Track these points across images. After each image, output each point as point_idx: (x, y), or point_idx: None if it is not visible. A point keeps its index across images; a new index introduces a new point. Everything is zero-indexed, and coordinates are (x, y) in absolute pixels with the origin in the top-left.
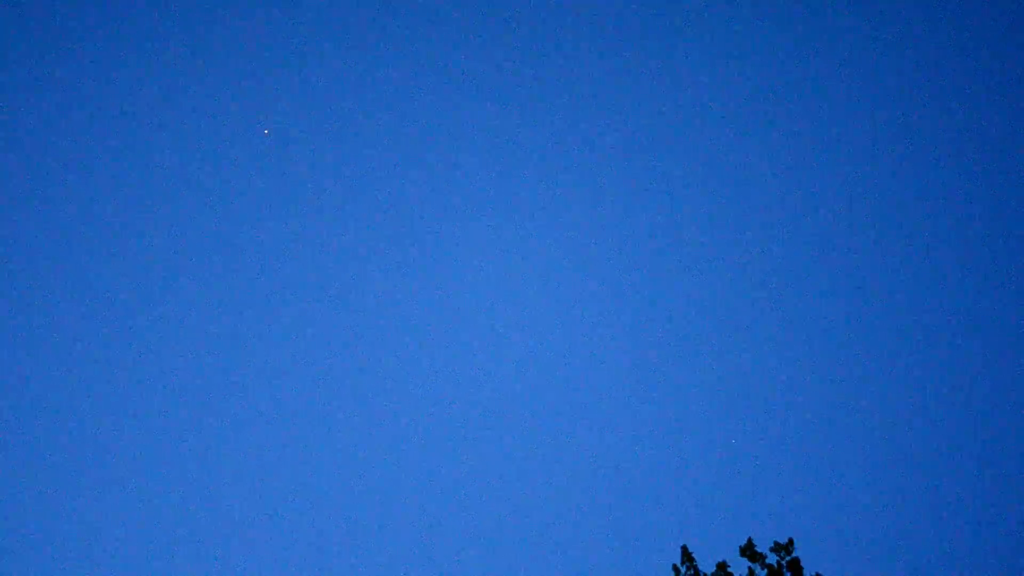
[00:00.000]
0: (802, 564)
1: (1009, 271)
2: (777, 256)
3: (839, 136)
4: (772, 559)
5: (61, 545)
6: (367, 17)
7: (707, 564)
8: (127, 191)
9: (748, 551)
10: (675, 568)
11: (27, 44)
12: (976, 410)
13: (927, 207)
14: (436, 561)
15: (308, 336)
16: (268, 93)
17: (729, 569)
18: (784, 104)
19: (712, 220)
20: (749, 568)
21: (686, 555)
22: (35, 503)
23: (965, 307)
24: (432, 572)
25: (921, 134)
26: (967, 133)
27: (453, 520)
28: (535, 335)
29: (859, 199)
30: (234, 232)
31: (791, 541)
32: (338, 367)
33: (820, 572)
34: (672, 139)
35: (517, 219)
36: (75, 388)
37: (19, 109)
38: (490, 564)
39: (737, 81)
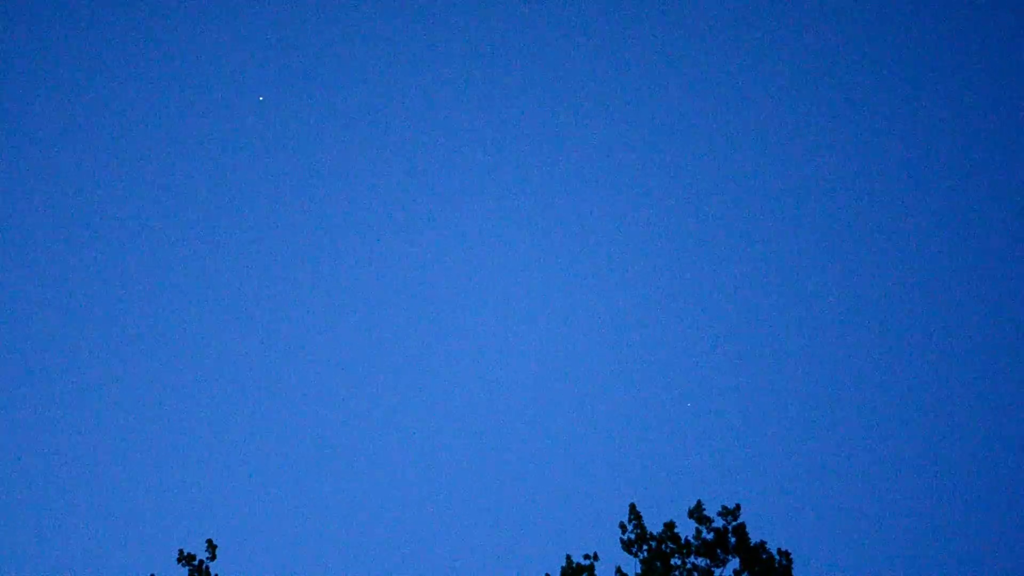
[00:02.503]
0: (748, 530)
1: (1009, 271)
2: (733, 244)
3: (838, 135)
4: (719, 523)
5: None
6: (366, 12)
7: (656, 525)
8: (122, 184)
9: (696, 513)
10: (622, 526)
11: (19, 33)
12: (923, 392)
13: (927, 206)
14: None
15: (302, 334)
16: (264, 88)
17: (676, 530)
18: (784, 103)
19: (702, 220)
20: (696, 529)
21: (633, 513)
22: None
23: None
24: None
25: (922, 133)
26: (968, 133)
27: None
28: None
29: (857, 199)
30: (231, 232)
31: (738, 506)
32: (332, 365)
33: (764, 540)
34: (670, 139)
35: (514, 218)
36: (77, 391)
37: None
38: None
39: (737, 80)
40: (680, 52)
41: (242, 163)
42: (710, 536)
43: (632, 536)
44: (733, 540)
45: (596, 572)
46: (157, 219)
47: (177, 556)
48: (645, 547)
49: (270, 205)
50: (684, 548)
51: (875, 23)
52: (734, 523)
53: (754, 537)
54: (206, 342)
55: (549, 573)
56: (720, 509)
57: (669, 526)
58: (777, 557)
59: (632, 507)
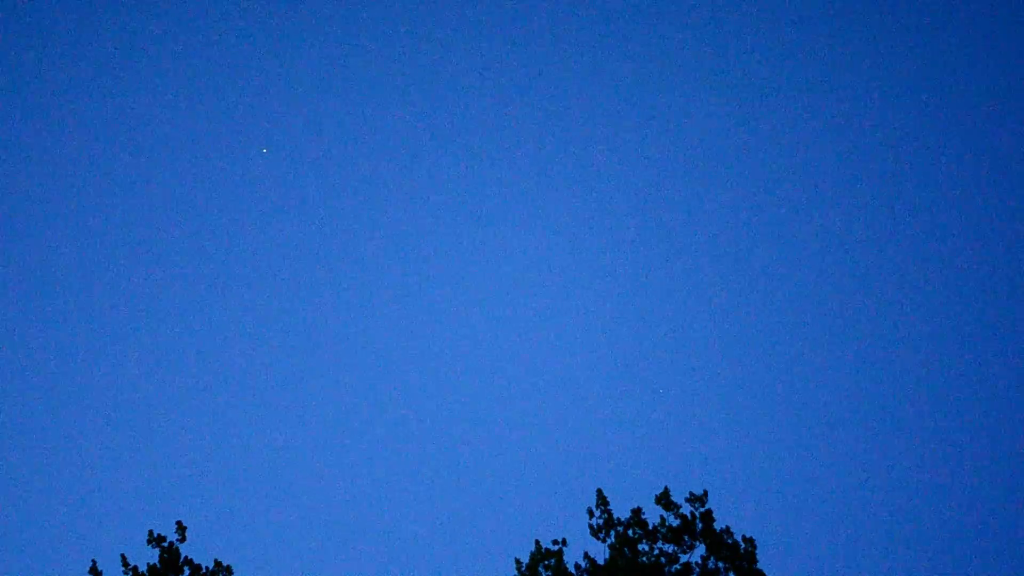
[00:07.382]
0: (714, 516)
1: (1009, 271)
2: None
3: (838, 132)
4: (686, 509)
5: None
6: (367, 17)
7: (624, 511)
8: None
9: (663, 500)
10: (590, 511)
11: (24, 50)
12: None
13: (927, 205)
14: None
15: (305, 339)
16: (265, 101)
17: (643, 516)
18: (784, 102)
19: (699, 218)
20: (661, 516)
21: (601, 499)
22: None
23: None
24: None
25: (921, 131)
26: (968, 132)
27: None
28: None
29: (858, 198)
30: (237, 242)
31: (705, 493)
32: (335, 371)
33: (729, 525)
34: (670, 138)
35: (512, 220)
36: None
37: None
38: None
39: (737, 79)
40: (682, 53)
41: (247, 162)
42: (676, 522)
43: (600, 522)
44: (700, 526)
45: (564, 557)
46: (156, 219)
47: (148, 537)
48: (613, 533)
49: (271, 206)
50: (651, 534)
51: (874, 23)
52: (701, 509)
53: (719, 522)
54: (205, 340)
55: (519, 558)
56: (687, 496)
57: (636, 512)
58: (742, 544)
59: (599, 493)
